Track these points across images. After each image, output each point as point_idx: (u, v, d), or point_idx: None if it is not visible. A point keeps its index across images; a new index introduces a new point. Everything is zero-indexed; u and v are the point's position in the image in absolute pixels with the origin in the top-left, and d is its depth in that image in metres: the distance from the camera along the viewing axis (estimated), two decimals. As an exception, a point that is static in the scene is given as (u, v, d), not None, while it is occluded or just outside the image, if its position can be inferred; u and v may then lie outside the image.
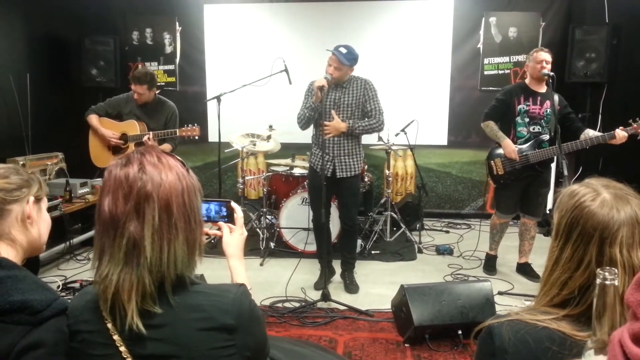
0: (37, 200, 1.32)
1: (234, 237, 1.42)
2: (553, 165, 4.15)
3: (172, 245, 1.08)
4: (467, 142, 5.98)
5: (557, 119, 3.71)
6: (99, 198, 1.11)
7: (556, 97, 3.78)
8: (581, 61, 5.07)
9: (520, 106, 3.84)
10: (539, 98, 3.82)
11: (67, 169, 4.78)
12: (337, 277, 3.96)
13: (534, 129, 3.83)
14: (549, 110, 3.79)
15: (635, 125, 3.57)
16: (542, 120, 3.82)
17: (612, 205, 1.02)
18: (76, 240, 4.51)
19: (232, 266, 1.40)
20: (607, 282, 0.78)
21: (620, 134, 3.58)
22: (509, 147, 3.80)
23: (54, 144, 4.87)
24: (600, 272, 0.79)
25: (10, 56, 4.85)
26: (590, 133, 3.75)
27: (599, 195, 1.04)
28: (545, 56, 3.76)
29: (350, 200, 3.77)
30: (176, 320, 1.07)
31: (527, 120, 3.83)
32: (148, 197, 1.06)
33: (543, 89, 3.84)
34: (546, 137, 3.81)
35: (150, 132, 4.15)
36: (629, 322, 0.66)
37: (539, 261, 4.10)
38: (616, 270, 0.79)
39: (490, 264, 4.19)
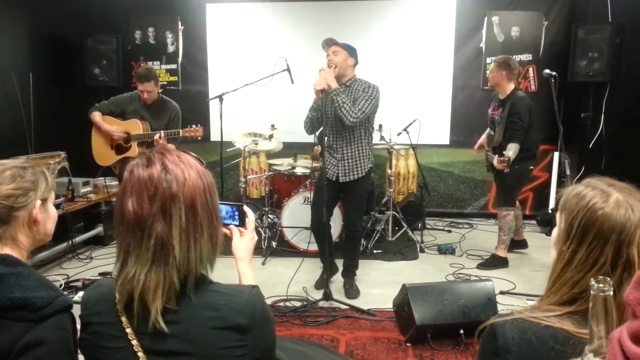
0: (44, 200, 1.31)
1: (244, 240, 1.43)
2: (556, 165, 4.29)
3: (198, 243, 1.10)
4: (470, 141, 5.95)
5: (504, 125, 4.10)
6: (120, 198, 1.10)
7: (509, 104, 4.08)
8: (584, 60, 5.05)
9: (488, 111, 4.40)
10: (497, 104, 4.27)
11: (70, 168, 4.79)
12: (338, 276, 3.95)
13: (491, 132, 4.39)
14: (498, 117, 4.19)
15: (498, 158, 3.88)
16: (494, 125, 4.28)
17: (627, 206, 1.01)
18: (78, 239, 4.52)
19: (241, 269, 1.41)
20: (602, 294, 0.78)
21: (496, 164, 3.95)
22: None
23: (56, 143, 4.88)
24: (594, 283, 0.78)
25: (13, 55, 4.86)
26: (506, 151, 3.96)
27: (610, 196, 1.03)
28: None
29: (353, 206, 3.69)
30: (190, 317, 1.08)
31: (489, 123, 4.43)
32: (174, 197, 1.07)
33: (503, 95, 4.18)
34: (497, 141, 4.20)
35: (162, 132, 4.13)
36: (629, 320, 0.66)
37: (537, 257, 4.11)
38: (610, 280, 0.79)
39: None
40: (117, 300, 1.09)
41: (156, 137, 4.09)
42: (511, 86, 4.14)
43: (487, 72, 4.35)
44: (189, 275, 1.09)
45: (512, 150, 3.93)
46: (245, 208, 1.45)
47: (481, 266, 4.29)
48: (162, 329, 1.05)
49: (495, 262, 4.27)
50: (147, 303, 1.06)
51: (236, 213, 1.45)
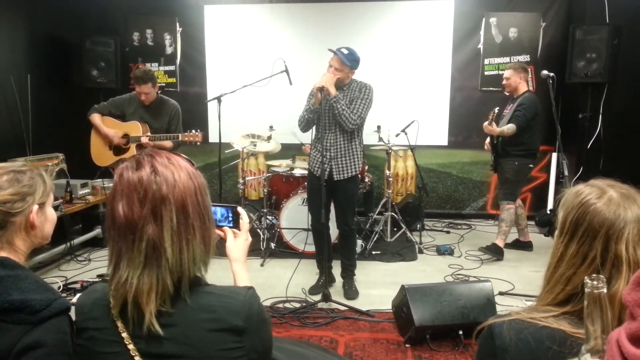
0: (42, 204, 1.29)
1: (238, 241, 1.43)
2: (554, 165, 4.45)
3: (191, 244, 1.09)
4: (468, 142, 5.98)
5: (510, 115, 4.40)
6: (111, 202, 1.10)
7: (519, 100, 4.40)
8: (582, 61, 5.06)
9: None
10: (510, 103, 4.54)
11: (68, 169, 4.78)
12: (337, 277, 3.95)
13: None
14: (506, 111, 4.50)
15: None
16: (499, 120, 4.56)
17: (619, 204, 1.03)
18: (77, 241, 4.51)
19: (236, 270, 1.41)
20: (596, 291, 0.78)
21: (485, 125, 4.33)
22: None
23: (54, 144, 4.87)
24: (588, 281, 0.79)
25: (11, 57, 4.85)
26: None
27: (605, 194, 1.05)
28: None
29: (346, 203, 3.70)
30: (187, 320, 1.08)
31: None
32: (164, 199, 1.07)
33: (517, 95, 4.48)
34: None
35: (148, 134, 4.15)
36: (626, 321, 0.66)
37: (536, 258, 4.12)
38: (604, 277, 0.79)
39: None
40: (112, 305, 1.08)
41: (143, 139, 4.10)
42: (525, 87, 4.44)
43: (503, 81, 4.53)
44: (183, 277, 1.08)
45: (506, 126, 4.26)
46: (240, 209, 1.45)
47: (483, 248, 4.55)
48: (158, 332, 1.05)
49: (492, 250, 4.49)
50: (141, 307, 1.05)
51: (230, 214, 1.45)
